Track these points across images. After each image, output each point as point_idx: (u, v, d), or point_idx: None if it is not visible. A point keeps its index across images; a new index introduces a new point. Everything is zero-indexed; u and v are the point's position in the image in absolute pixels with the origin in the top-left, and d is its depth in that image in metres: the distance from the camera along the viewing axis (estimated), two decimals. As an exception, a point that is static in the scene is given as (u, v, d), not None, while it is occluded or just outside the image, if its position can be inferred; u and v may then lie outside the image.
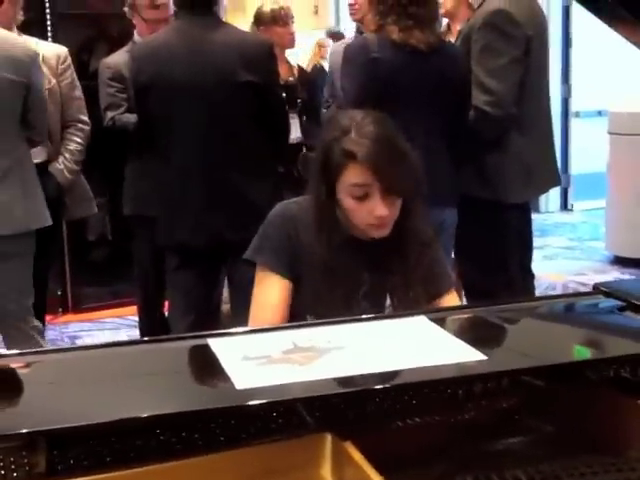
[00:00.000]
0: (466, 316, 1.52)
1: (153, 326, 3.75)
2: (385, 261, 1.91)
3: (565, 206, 7.46)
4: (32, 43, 3.32)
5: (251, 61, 2.84)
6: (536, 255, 3.96)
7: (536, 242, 4.04)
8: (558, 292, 5.21)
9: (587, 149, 7.09)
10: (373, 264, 1.92)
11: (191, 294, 2.98)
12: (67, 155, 3.50)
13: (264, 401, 1.11)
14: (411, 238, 1.92)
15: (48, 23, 4.58)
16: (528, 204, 3.42)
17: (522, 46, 3.02)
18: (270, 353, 1.28)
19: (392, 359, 1.25)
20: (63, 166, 3.48)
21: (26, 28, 3.54)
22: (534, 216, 4.23)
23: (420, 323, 1.42)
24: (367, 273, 1.92)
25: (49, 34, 4.54)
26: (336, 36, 6.64)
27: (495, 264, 3.17)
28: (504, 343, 1.36)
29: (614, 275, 5.57)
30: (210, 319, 3.00)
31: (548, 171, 3.33)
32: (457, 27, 3.43)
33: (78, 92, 3.58)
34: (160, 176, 2.98)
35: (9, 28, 3.16)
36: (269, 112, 2.92)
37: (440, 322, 1.42)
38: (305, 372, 1.21)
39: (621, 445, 1.22)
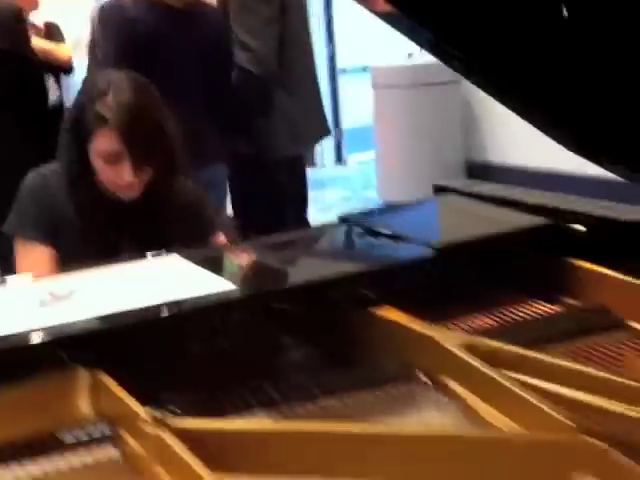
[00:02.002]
0: (219, 252, 1.61)
1: None
2: (144, 226, 1.90)
3: (339, 159, 7.72)
4: None
5: None
6: (314, 208, 4.10)
7: (313, 195, 4.17)
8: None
9: (355, 104, 7.35)
10: (132, 229, 1.91)
11: None
12: None
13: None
14: (169, 203, 1.93)
15: None
16: (300, 158, 3.50)
17: (277, 3, 3.09)
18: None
19: (143, 296, 1.29)
20: None
21: None
22: (311, 170, 4.37)
23: (172, 261, 1.47)
24: (126, 238, 1.90)
25: None
26: None
27: (271, 218, 3.25)
28: (253, 273, 1.46)
29: (387, 221, 5.83)
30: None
31: (315, 124, 3.41)
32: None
33: None
34: None
35: None
36: (23, 80, 2.83)
37: (193, 259, 1.46)
38: (55, 314, 1.22)
39: (375, 361, 1.26)
